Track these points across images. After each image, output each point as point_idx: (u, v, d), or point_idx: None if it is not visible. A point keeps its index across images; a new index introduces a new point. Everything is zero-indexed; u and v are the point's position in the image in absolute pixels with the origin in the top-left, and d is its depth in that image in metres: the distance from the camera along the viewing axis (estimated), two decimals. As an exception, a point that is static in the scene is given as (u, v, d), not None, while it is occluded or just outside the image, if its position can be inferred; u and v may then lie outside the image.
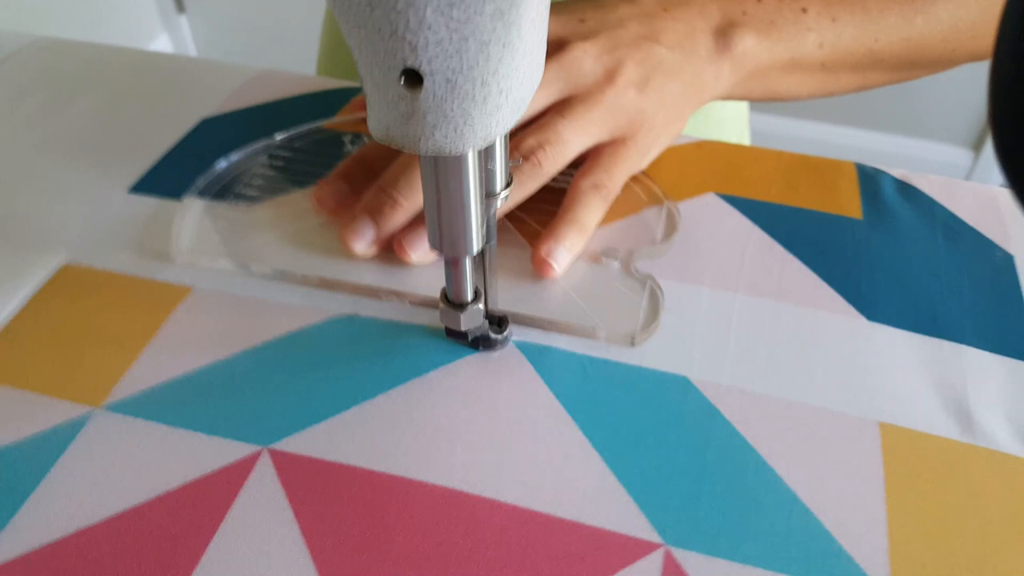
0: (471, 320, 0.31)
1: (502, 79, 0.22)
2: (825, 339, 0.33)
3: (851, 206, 0.39)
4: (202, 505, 0.27)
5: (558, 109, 0.36)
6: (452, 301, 0.31)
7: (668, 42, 0.37)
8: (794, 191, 0.40)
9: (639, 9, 0.38)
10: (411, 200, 0.34)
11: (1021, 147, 0.17)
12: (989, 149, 1.66)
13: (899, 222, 0.39)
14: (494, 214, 0.30)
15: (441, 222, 0.27)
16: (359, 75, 0.23)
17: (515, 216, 0.38)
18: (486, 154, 0.27)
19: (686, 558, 0.26)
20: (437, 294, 0.33)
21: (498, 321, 0.33)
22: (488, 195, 0.28)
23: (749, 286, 0.35)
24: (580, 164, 0.38)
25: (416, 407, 0.30)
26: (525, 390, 0.31)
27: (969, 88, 1.61)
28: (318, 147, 0.42)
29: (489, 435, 0.29)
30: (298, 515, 0.27)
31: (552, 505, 0.27)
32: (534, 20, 0.22)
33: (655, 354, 0.32)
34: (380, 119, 0.23)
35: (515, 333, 0.33)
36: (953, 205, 0.40)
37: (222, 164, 0.41)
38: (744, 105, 0.67)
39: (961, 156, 1.70)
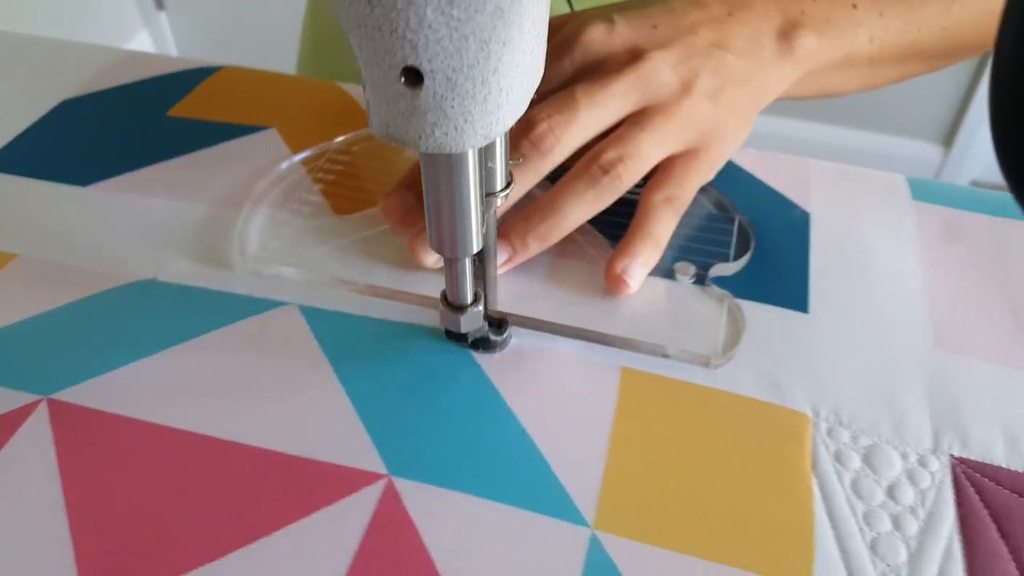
0: (471, 322, 0.31)
1: (502, 78, 0.22)
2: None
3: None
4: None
5: (636, 120, 0.35)
6: (451, 303, 0.31)
7: (737, 49, 0.37)
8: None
9: (707, 14, 0.37)
10: None
11: (1021, 148, 0.17)
12: (959, 145, 1.68)
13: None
14: (494, 213, 0.30)
15: (441, 222, 0.27)
16: (359, 72, 0.23)
17: (583, 228, 0.37)
18: (486, 152, 0.27)
19: (405, 487, 0.28)
20: (509, 307, 0.33)
21: (498, 323, 0.33)
22: (488, 194, 0.28)
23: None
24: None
25: (191, 364, 0.32)
26: (295, 347, 0.32)
27: (939, 84, 1.62)
28: (377, 151, 0.42)
29: (253, 388, 0.31)
30: (61, 461, 0.28)
31: (297, 446, 0.29)
32: (534, 19, 0.22)
33: (420, 310, 0.34)
34: (380, 117, 0.23)
35: (515, 334, 0.33)
36: (765, 175, 0.42)
37: (284, 166, 0.41)
38: None
39: (931, 152, 1.72)
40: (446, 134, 0.23)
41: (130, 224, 0.38)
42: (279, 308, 0.34)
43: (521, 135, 0.34)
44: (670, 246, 0.36)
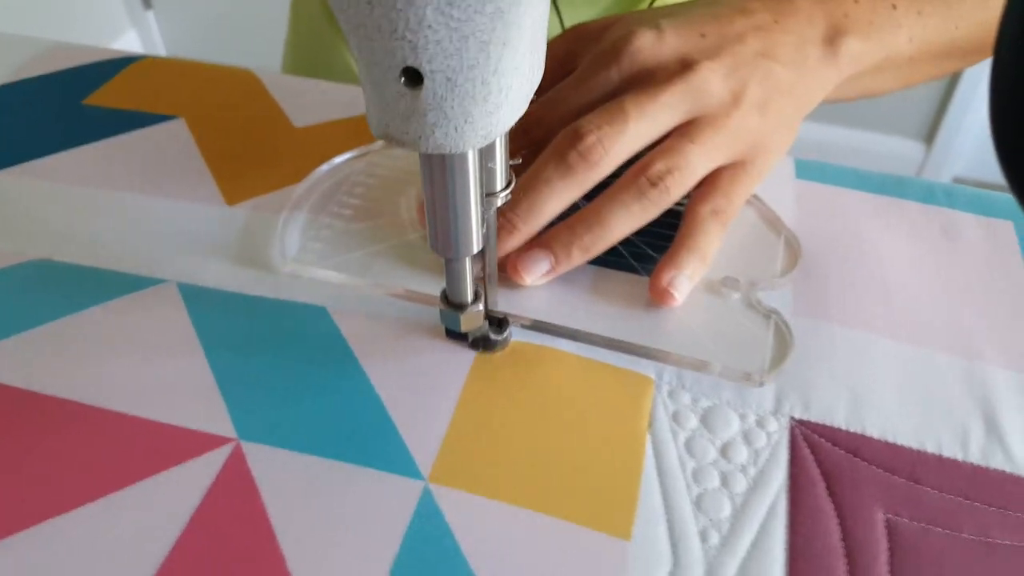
0: (471, 321, 0.31)
1: (502, 78, 0.22)
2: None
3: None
4: None
5: (685, 132, 0.35)
6: (451, 302, 0.31)
7: (783, 59, 0.37)
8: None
9: (753, 21, 0.37)
10: (530, 224, 0.34)
11: (1021, 148, 0.17)
12: (940, 141, 1.68)
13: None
14: (494, 214, 0.30)
15: (441, 221, 0.27)
16: (358, 73, 0.23)
17: (627, 239, 0.36)
18: (486, 153, 0.27)
19: (252, 449, 0.29)
20: (550, 317, 0.33)
21: (498, 322, 0.33)
22: (488, 194, 0.28)
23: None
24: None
25: (69, 337, 0.33)
26: (166, 320, 0.33)
27: (923, 81, 1.62)
28: (416, 156, 0.43)
29: (115, 357, 0.32)
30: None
31: (150, 410, 0.30)
32: (535, 19, 0.22)
33: (293, 286, 0.35)
34: (380, 117, 0.23)
35: (514, 334, 0.33)
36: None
37: (324, 168, 0.41)
38: None
39: (913, 149, 1.72)
40: (446, 135, 0.23)
41: (28, 208, 0.39)
42: (159, 285, 0.35)
43: (569, 146, 0.33)
44: (715, 260, 0.36)
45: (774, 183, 0.41)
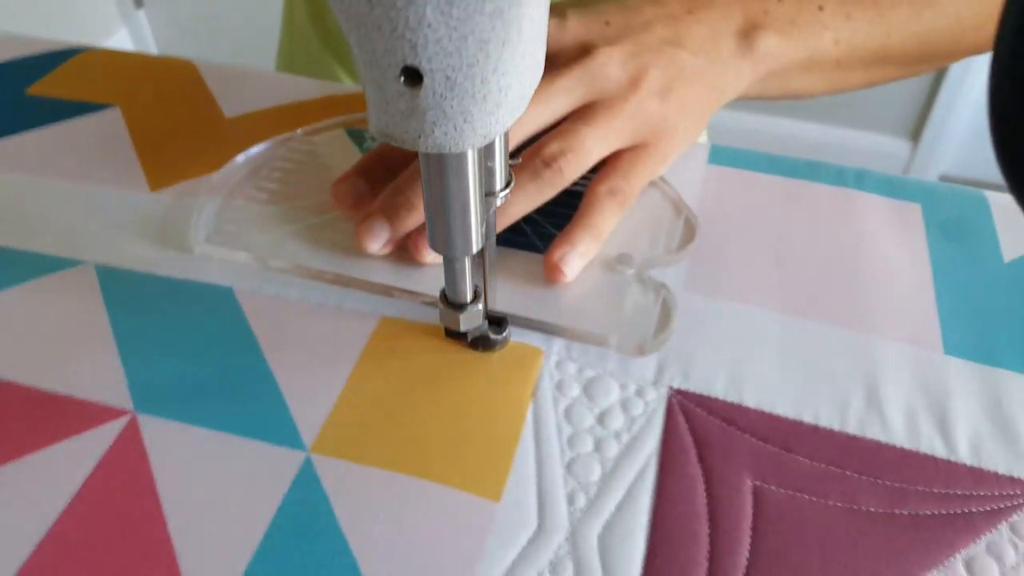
0: (470, 321, 0.31)
1: (502, 77, 0.22)
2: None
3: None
4: None
5: (581, 115, 0.36)
6: (451, 302, 0.31)
7: (692, 47, 0.37)
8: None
9: (664, 11, 0.38)
10: None
11: (1021, 148, 0.16)
12: (927, 139, 1.68)
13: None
14: (493, 213, 0.30)
15: (440, 221, 0.27)
16: (358, 72, 0.23)
17: (529, 218, 0.37)
18: (486, 152, 0.27)
19: (147, 421, 0.30)
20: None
21: (498, 321, 0.33)
22: (488, 194, 0.28)
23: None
24: (597, 167, 0.38)
25: None
26: (80, 299, 0.35)
27: (906, 79, 1.62)
28: (339, 142, 0.43)
29: (23, 333, 0.33)
30: None
31: (58, 384, 0.31)
32: (534, 18, 0.22)
33: (205, 267, 0.36)
34: (379, 116, 0.23)
35: (514, 334, 0.34)
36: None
37: (240, 159, 0.41)
38: None
39: (900, 147, 1.73)
40: (445, 134, 0.23)
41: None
42: (77, 267, 0.36)
43: None
44: (616, 238, 0.37)
45: (686, 167, 0.42)
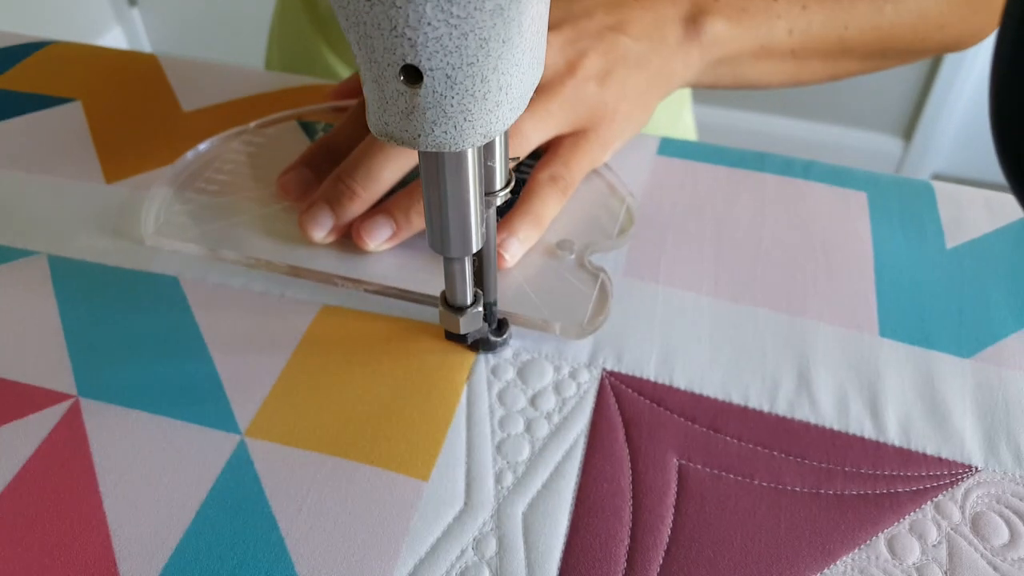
0: (470, 323, 0.31)
1: (502, 75, 0.22)
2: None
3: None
4: None
5: None
6: (451, 304, 0.31)
7: (635, 32, 0.37)
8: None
9: None
10: (369, 190, 0.35)
11: (1022, 148, 0.16)
12: (919, 137, 1.69)
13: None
14: (493, 213, 0.30)
15: (440, 221, 0.26)
16: (359, 71, 0.23)
17: None
18: (486, 151, 0.27)
19: (89, 405, 0.31)
20: (396, 282, 0.34)
21: (498, 324, 0.33)
22: (488, 193, 0.28)
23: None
24: (539, 153, 0.38)
25: None
26: (32, 288, 0.35)
27: (900, 77, 1.63)
28: (291, 135, 0.44)
29: None
30: None
31: (4, 371, 0.32)
32: (534, 16, 0.22)
33: (154, 258, 0.37)
34: (379, 115, 0.23)
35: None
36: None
37: (192, 152, 0.42)
38: (683, 92, 0.65)
39: (892, 144, 1.73)
40: (445, 133, 0.23)
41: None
42: (30, 257, 0.37)
43: None
44: (558, 224, 0.38)
45: (634, 157, 0.42)
